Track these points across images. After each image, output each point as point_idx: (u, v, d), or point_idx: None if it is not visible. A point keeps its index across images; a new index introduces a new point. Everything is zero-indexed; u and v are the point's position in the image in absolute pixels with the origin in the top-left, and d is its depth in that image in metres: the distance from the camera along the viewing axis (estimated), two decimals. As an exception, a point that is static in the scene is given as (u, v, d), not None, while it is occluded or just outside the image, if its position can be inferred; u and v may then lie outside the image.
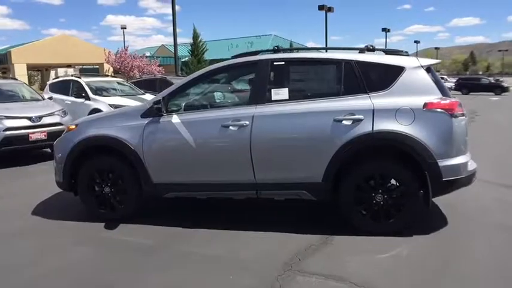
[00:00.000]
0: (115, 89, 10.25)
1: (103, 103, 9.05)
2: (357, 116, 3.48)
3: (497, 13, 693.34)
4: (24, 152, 7.42)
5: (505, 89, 31.66)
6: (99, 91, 9.68)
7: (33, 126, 7.02)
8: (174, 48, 18.08)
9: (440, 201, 4.06)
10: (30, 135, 6.96)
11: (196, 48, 27.10)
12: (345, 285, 2.75)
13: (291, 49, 3.98)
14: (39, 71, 37.30)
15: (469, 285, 2.79)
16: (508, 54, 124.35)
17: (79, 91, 9.51)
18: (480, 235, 3.60)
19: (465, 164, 3.56)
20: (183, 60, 30.21)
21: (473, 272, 2.95)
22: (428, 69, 3.67)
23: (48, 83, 11.41)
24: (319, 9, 30.30)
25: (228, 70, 4.10)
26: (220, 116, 3.75)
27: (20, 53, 27.17)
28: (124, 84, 10.92)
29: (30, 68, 31.53)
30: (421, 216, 3.73)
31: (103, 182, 4.06)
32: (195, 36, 27.14)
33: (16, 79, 9.66)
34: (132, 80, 14.00)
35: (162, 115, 3.86)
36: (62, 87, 10.10)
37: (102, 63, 28.00)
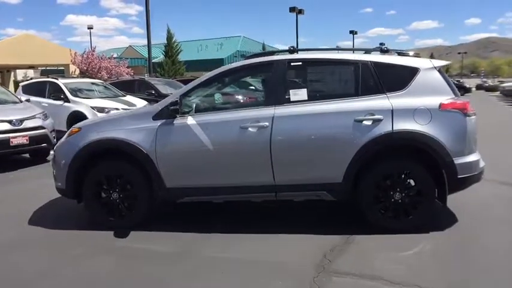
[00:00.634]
0: (94, 91, 9.84)
1: (84, 105, 8.67)
2: (376, 116, 3.53)
3: (455, 17, 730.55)
4: (2, 158, 6.96)
5: (467, 90, 33.50)
6: (78, 93, 9.24)
7: (14, 130, 6.58)
8: (148, 49, 17.67)
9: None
10: (11, 139, 6.51)
11: (171, 49, 26.60)
12: (381, 284, 2.77)
13: (306, 50, 3.97)
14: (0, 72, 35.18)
15: (499, 276, 2.88)
16: (467, 57, 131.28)
17: (57, 93, 9.04)
18: (489, 229, 3.75)
19: (477, 162, 3.70)
20: (154, 61, 29.64)
21: (497, 263, 3.07)
22: (439, 70, 3.78)
23: (21, 84, 10.78)
24: (290, 11, 30.62)
25: (244, 71, 4.03)
26: (238, 117, 3.68)
27: (-24, 54, 25.49)
28: (103, 86, 10.51)
29: (-12, 69, 29.67)
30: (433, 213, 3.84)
31: (111, 188, 3.87)
32: (169, 37, 26.64)
33: None
34: (108, 82, 13.52)
35: (176, 117, 3.74)
36: (37, 88, 9.56)
37: (68, 65, 26.82)
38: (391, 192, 3.60)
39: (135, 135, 3.76)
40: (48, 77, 10.02)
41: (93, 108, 8.53)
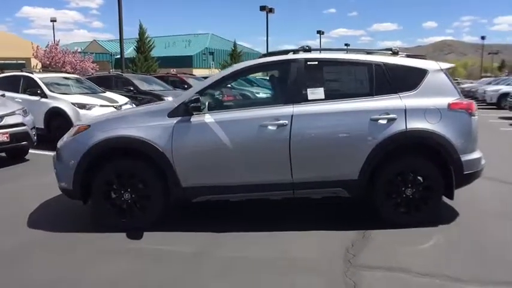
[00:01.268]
0: (72, 86, 9.41)
1: (64, 101, 8.26)
2: (391, 116, 3.66)
3: (413, 20, 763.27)
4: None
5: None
6: (55, 88, 8.80)
7: (-6, 127, 6.19)
8: (120, 45, 17.13)
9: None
10: (-9, 137, 6.12)
11: (143, 44, 25.89)
12: (412, 276, 2.89)
13: (320, 49, 4.04)
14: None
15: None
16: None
17: (32, 88, 8.56)
18: (491, 222, 3.99)
19: (480, 159, 3.93)
20: (118, 57, 28.53)
21: (510, 252, 3.28)
22: (445, 72, 3.97)
23: (-10, 78, 10.08)
24: (260, 9, 30.75)
25: (260, 68, 4.04)
26: (258, 115, 3.68)
27: None
28: (81, 81, 10.07)
29: None
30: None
31: (122, 188, 3.75)
32: (142, 32, 25.91)
33: None
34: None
35: (193, 114, 3.68)
36: (9, 83, 8.96)
37: (30, 58, 25.46)
38: (403, 188, 3.76)
39: (150, 133, 3.67)
40: (22, 71, 9.47)
41: (74, 104, 8.17)
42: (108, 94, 9.41)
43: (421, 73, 3.86)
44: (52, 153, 4.26)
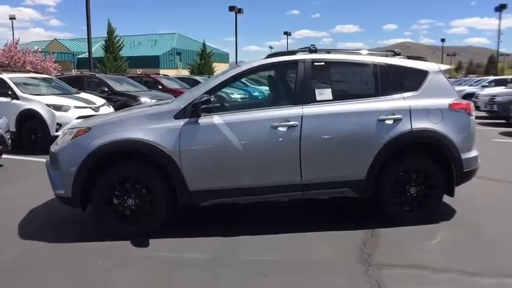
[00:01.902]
0: (44, 87, 8.91)
1: (37, 103, 7.79)
2: (397, 116, 3.73)
3: (374, 22, 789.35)
4: None
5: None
6: (28, 89, 8.29)
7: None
8: (88, 44, 16.48)
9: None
10: (-36, 141, 5.67)
11: (112, 44, 24.96)
12: (430, 273, 2.95)
13: (327, 50, 4.04)
14: None
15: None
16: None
17: (2, 89, 8.02)
18: (485, 216, 4.16)
19: (476, 157, 4.09)
20: (80, 57, 27.39)
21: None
22: (443, 73, 4.11)
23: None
24: (229, 10, 30.66)
25: (268, 69, 3.99)
26: (267, 116, 3.64)
27: None
28: (53, 82, 9.56)
29: None
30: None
31: (125, 193, 3.58)
32: (110, 31, 24.99)
33: None
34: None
35: (200, 115, 3.58)
36: (-25, 84, 8.37)
37: (-15, 57, 23.86)
38: (408, 187, 3.85)
39: (156, 136, 3.52)
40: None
41: (48, 105, 7.73)
42: (84, 95, 9.00)
43: (423, 74, 3.97)
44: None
